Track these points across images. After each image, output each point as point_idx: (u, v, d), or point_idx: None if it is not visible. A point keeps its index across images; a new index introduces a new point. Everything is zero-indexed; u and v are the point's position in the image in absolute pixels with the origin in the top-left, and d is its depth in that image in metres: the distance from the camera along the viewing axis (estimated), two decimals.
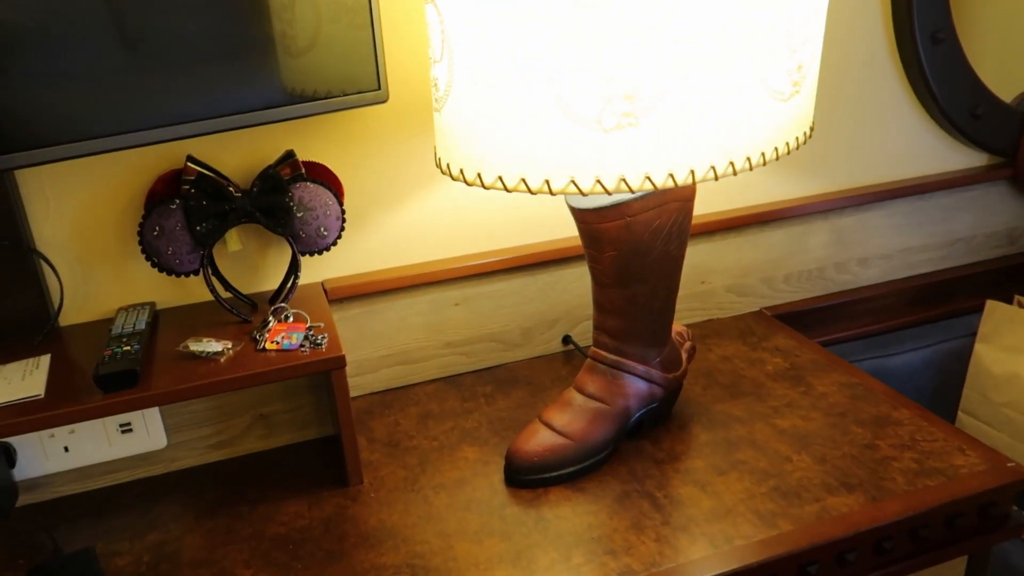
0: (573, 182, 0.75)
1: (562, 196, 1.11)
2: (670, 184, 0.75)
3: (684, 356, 1.00)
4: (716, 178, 0.76)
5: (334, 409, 0.92)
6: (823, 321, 1.30)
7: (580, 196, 0.87)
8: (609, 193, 0.75)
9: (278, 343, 0.88)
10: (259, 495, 0.91)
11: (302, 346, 0.88)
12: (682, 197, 0.88)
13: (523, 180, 0.76)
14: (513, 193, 1.07)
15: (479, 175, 0.78)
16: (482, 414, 1.02)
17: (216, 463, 0.98)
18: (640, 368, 0.93)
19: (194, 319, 0.95)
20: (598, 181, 0.74)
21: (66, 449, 0.91)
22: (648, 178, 0.74)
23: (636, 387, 0.93)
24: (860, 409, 0.99)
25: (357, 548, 0.81)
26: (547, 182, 0.75)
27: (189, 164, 0.91)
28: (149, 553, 0.83)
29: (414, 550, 0.80)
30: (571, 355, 1.16)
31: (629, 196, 0.85)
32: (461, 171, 0.80)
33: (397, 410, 1.04)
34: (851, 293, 1.31)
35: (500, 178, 0.77)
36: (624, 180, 0.74)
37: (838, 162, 1.25)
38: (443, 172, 0.82)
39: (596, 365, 0.94)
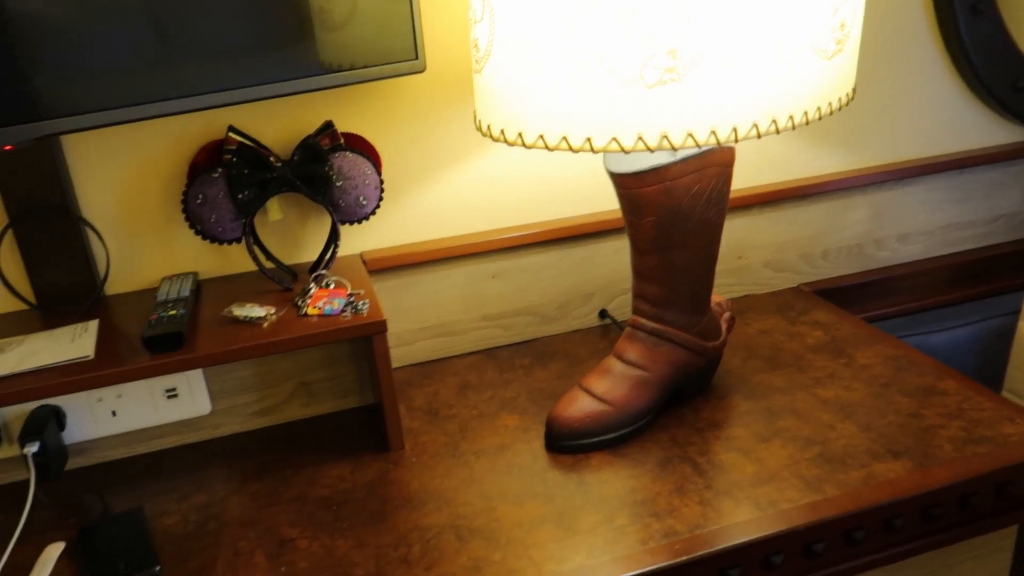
0: (615, 140, 0.74)
1: (601, 164, 1.11)
2: (713, 142, 0.74)
3: (723, 326, 0.99)
4: (759, 135, 0.75)
5: (375, 376, 0.92)
6: (862, 298, 1.28)
7: (620, 159, 0.87)
8: (651, 150, 0.74)
9: (320, 308, 0.89)
10: (302, 460, 0.92)
11: (343, 311, 0.88)
12: (722, 162, 0.88)
13: (564, 138, 0.76)
14: (554, 153, 1.08)
15: (520, 135, 0.78)
16: (521, 384, 1.02)
17: (259, 430, 0.99)
18: (680, 336, 0.92)
19: (236, 288, 0.96)
20: (640, 138, 0.74)
21: (113, 413, 0.93)
22: (691, 135, 0.74)
23: (676, 355, 0.93)
24: (904, 380, 0.98)
25: (400, 509, 0.81)
26: (588, 140, 0.75)
27: (230, 134, 0.92)
28: (196, 513, 0.84)
29: (457, 512, 0.80)
30: (608, 329, 1.16)
31: (669, 160, 0.84)
32: (502, 131, 0.80)
33: (436, 381, 1.05)
34: (891, 270, 1.29)
35: (541, 137, 0.77)
36: (667, 137, 0.74)
37: (878, 136, 1.23)
38: (483, 134, 0.83)
39: (636, 333, 0.93)
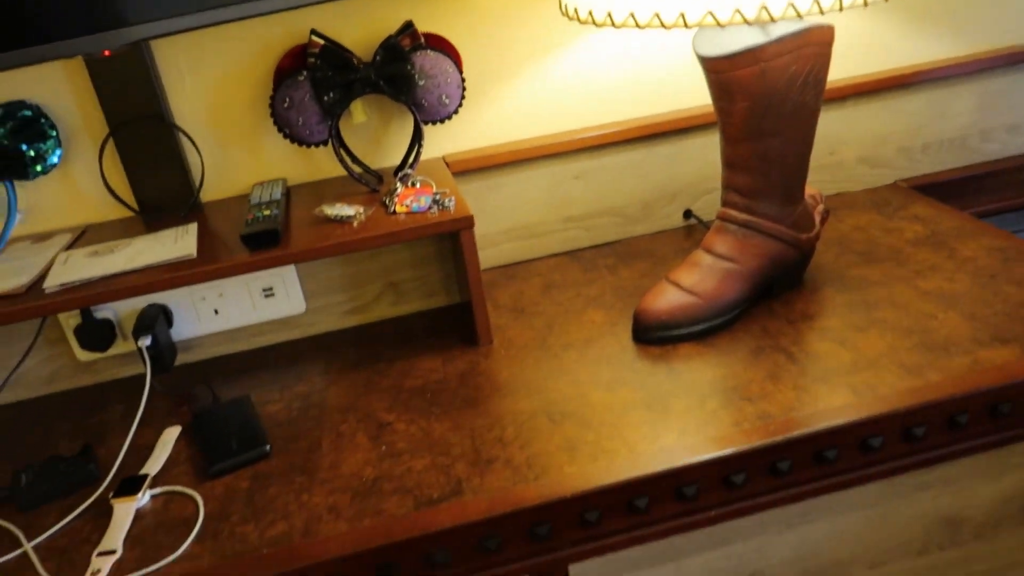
0: (710, 14, 0.71)
1: (687, 55, 1.06)
2: (815, 12, 0.70)
3: (817, 218, 0.96)
4: (866, 3, 0.71)
5: (461, 274, 0.93)
6: (965, 193, 1.21)
7: (712, 42, 0.84)
8: (749, 23, 0.71)
9: (407, 206, 0.90)
10: (394, 354, 0.94)
11: (431, 208, 0.89)
12: (820, 41, 0.83)
13: (656, 15, 0.73)
14: (638, 47, 1.04)
15: (609, 14, 0.76)
16: (605, 283, 1.02)
17: (351, 328, 1.02)
18: (772, 227, 0.90)
19: (323, 193, 0.98)
20: (737, 11, 0.71)
21: (216, 312, 0.97)
22: (792, 5, 0.70)
23: (768, 247, 0.90)
24: (1013, 271, 0.93)
25: (492, 397, 0.83)
26: (682, 15, 0.72)
27: (313, 37, 0.93)
28: (298, 401, 0.88)
29: (549, 398, 0.82)
30: (692, 229, 1.13)
31: (764, 40, 0.80)
32: (590, 13, 0.77)
33: (521, 281, 1.05)
34: (998, 163, 1.21)
35: (632, 15, 0.74)
36: (765, 7, 0.70)
37: (987, 19, 1.14)
38: (569, 17, 0.80)
39: (725, 225, 0.91)
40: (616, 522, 0.72)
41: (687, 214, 1.14)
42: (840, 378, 0.79)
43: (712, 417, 0.75)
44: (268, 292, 0.98)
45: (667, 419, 0.76)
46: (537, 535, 0.70)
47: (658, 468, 0.70)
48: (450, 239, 1.00)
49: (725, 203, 0.92)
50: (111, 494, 0.76)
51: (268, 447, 0.79)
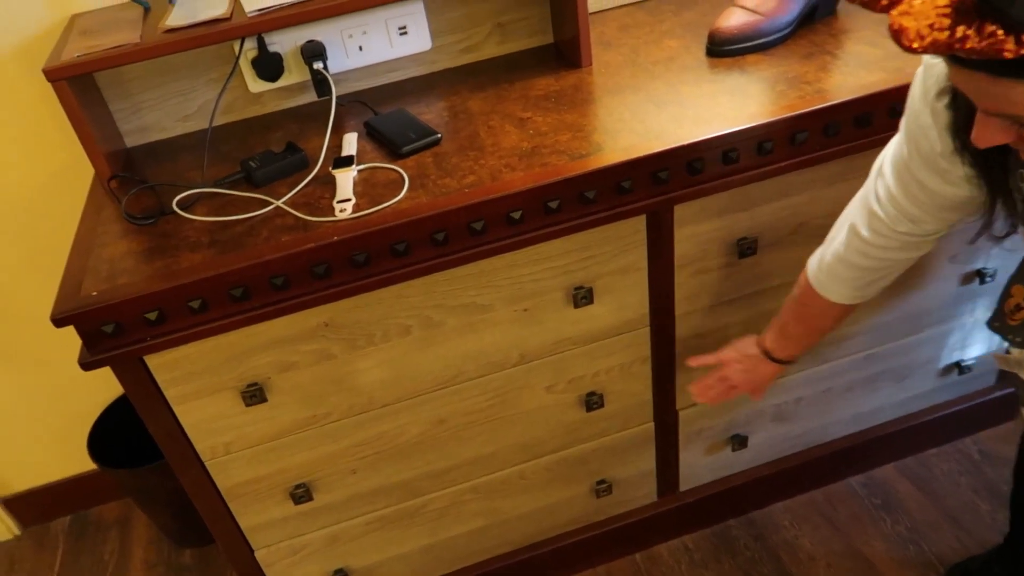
0: None
1: None
2: None
3: None
4: None
5: (558, 11, 1.13)
6: None
7: None
8: None
9: None
10: (512, 77, 1.16)
11: None
12: None
13: None
14: None
15: None
16: (673, 22, 1.23)
17: (465, 64, 1.22)
18: None
19: None
20: None
21: (360, 48, 1.16)
22: None
23: None
24: None
25: (605, 96, 1.06)
26: None
27: None
28: (446, 112, 1.10)
29: (650, 93, 1.05)
30: None
31: None
32: None
33: (598, 25, 1.25)
34: None
35: None
36: None
37: None
38: None
39: None
40: (713, 171, 0.97)
41: None
42: (876, 65, 1.03)
43: (780, 96, 1.00)
44: (402, 30, 1.16)
45: (746, 100, 1.00)
46: (659, 179, 0.95)
47: (743, 125, 0.95)
48: None
49: None
50: (331, 167, 0.99)
51: (439, 135, 1.02)
